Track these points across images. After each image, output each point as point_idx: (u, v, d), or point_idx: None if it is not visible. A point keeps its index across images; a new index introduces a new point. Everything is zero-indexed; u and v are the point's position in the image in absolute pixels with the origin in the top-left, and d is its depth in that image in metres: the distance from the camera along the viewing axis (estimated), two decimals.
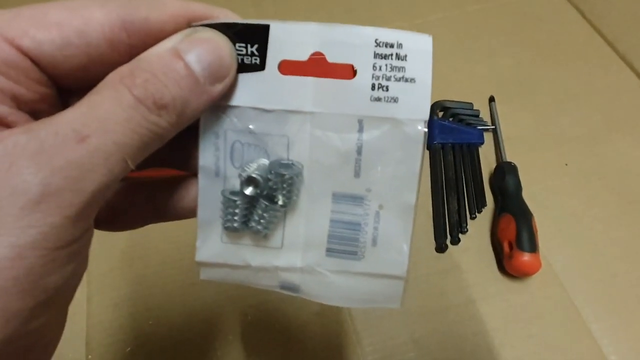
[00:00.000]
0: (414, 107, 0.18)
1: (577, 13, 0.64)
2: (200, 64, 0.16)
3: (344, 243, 0.20)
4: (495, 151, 0.52)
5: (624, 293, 0.43)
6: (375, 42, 0.18)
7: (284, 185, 0.19)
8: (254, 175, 0.19)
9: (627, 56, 0.59)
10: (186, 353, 0.39)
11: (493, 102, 0.55)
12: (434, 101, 0.54)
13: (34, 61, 0.16)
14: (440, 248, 0.45)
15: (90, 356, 0.39)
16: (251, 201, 0.20)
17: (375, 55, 0.18)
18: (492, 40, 0.61)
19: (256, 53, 0.18)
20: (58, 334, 0.18)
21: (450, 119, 0.53)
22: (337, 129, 0.19)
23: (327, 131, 0.19)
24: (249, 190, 0.19)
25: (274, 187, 0.19)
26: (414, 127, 0.18)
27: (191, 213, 0.21)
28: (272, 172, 0.19)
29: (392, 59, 0.18)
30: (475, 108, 0.54)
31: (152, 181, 0.21)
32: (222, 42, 0.17)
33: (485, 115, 0.54)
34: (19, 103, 0.16)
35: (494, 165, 0.50)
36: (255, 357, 0.39)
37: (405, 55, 0.18)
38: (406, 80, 0.18)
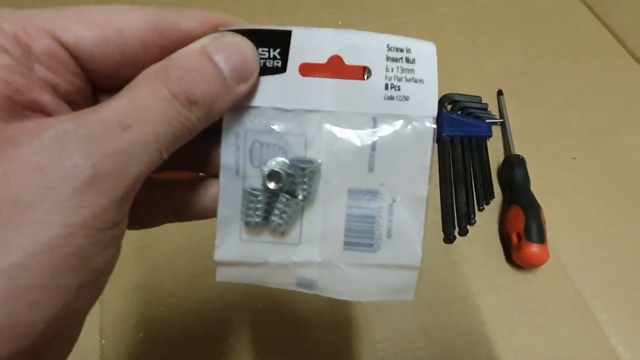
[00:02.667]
0: (424, 105, 0.20)
1: (585, 8, 0.64)
2: (227, 64, 0.17)
3: (360, 236, 0.21)
4: (504, 144, 0.52)
5: (631, 285, 0.43)
6: (387, 46, 0.19)
7: (304, 180, 0.20)
8: (277, 170, 0.20)
9: (636, 51, 0.59)
10: (198, 340, 0.40)
11: (501, 96, 0.55)
12: (442, 94, 0.54)
13: (74, 55, 0.17)
14: (449, 239, 0.45)
15: (104, 341, 0.39)
16: (272, 197, 0.20)
17: (388, 59, 0.19)
18: (500, 35, 0.62)
19: (278, 57, 0.19)
20: (80, 327, 0.19)
21: (459, 112, 0.53)
22: (353, 127, 0.20)
23: (343, 129, 0.20)
24: (272, 185, 0.20)
25: (295, 181, 0.20)
26: (423, 123, 0.20)
27: (208, 213, 0.22)
28: (293, 167, 0.20)
29: (402, 62, 0.20)
30: (483, 102, 0.54)
31: (172, 181, 0.22)
32: (247, 46, 0.18)
33: (493, 108, 0.54)
34: (57, 93, 0.17)
35: (501, 158, 0.50)
36: (266, 346, 0.40)
37: (414, 59, 0.20)
38: (415, 81, 0.20)
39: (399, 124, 0.20)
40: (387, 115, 0.20)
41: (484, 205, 0.47)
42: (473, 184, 0.48)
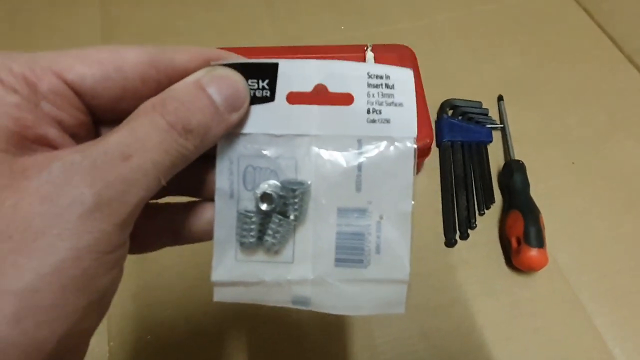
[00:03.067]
0: (404, 126, 0.21)
1: (584, 14, 0.65)
2: (220, 95, 0.19)
3: (350, 252, 0.22)
4: (504, 149, 0.53)
5: (628, 289, 0.44)
6: (368, 74, 0.21)
7: (295, 200, 0.21)
8: (269, 192, 0.21)
9: (634, 57, 0.60)
10: (203, 343, 0.41)
11: (501, 101, 0.56)
12: (443, 100, 0.55)
13: (77, 92, 0.18)
14: (450, 243, 0.46)
15: (112, 343, 0.40)
16: (265, 217, 0.21)
17: (369, 85, 0.21)
18: (500, 40, 0.62)
19: (267, 87, 0.21)
20: (86, 348, 0.20)
21: (460, 118, 0.54)
22: (339, 149, 0.21)
23: (331, 151, 0.21)
24: (264, 206, 0.21)
25: (286, 202, 0.21)
26: (405, 144, 0.21)
27: (205, 236, 0.23)
28: (284, 188, 0.21)
29: (382, 87, 0.21)
30: (483, 107, 0.55)
31: (169, 206, 0.23)
32: (237, 78, 0.20)
33: (493, 114, 0.55)
34: (62, 128, 0.18)
35: (502, 163, 0.51)
36: (269, 349, 0.40)
37: (393, 85, 0.21)
38: (395, 105, 0.21)
39: (382, 145, 0.21)
40: (371, 137, 0.21)
41: (485, 210, 0.48)
42: (474, 189, 0.49)
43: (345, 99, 0.21)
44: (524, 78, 0.59)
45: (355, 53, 0.50)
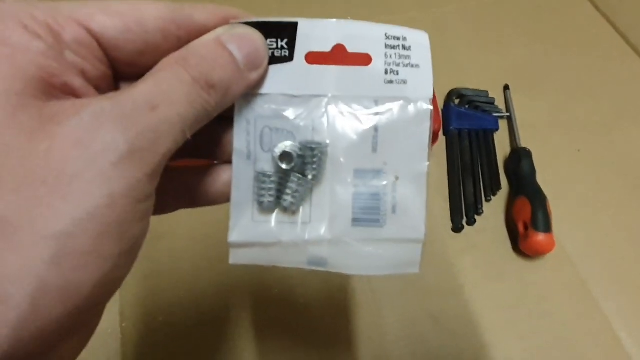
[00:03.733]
0: (420, 88, 0.21)
1: (590, 5, 0.65)
2: (241, 53, 0.19)
3: (367, 213, 0.22)
4: (510, 137, 0.53)
5: (634, 273, 0.44)
6: (385, 35, 0.21)
7: (314, 160, 0.21)
8: (288, 150, 0.21)
9: (639, 47, 0.60)
10: (215, 324, 0.41)
11: (508, 90, 0.56)
12: (451, 89, 0.56)
13: (99, 42, 0.18)
14: (457, 228, 0.46)
15: (124, 324, 0.41)
16: (283, 177, 0.22)
17: (386, 46, 0.21)
18: (506, 31, 0.63)
19: (285, 46, 0.20)
20: (112, 295, 0.20)
21: (467, 106, 0.54)
22: (356, 110, 0.21)
23: (348, 112, 0.21)
24: (284, 165, 0.21)
25: (305, 161, 0.21)
26: (421, 105, 0.21)
27: (221, 198, 0.23)
28: (302, 148, 0.21)
29: (399, 49, 0.21)
30: (490, 96, 0.56)
31: (187, 168, 0.23)
32: (257, 36, 0.20)
33: (500, 103, 0.56)
34: (85, 78, 0.18)
35: (508, 150, 0.52)
36: (280, 330, 0.41)
37: (410, 46, 0.21)
38: (412, 66, 0.21)
39: (398, 105, 0.21)
40: (387, 98, 0.21)
41: (491, 196, 0.48)
42: (480, 176, 0.50)
43: (364, 60, 0.21)
44: (530, 68, 0.59)
45: None
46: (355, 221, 0.22)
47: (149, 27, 0.18)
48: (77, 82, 0.17)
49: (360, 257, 0.22)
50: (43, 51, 0.16)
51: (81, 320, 0.16)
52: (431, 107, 0.21)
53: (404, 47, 0.21)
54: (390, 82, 0.21)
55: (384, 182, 0.22)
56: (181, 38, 0.19)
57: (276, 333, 0.41)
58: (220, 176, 0.23)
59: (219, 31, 0.19)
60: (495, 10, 0.65)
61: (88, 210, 0.15)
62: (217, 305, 0.42)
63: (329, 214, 0.22)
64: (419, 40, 0.21)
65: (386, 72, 0.21)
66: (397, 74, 0.21)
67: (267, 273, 0.43)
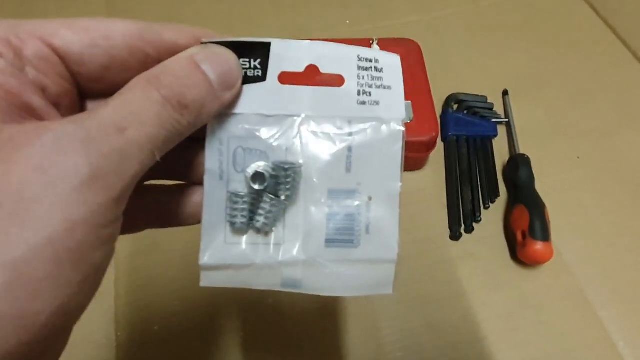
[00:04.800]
0: (393, 109, 0.21)
1: (590, 9, 0.65)
2: (214, 72, 0.18)
3: (341, 233, 0.22)
4: (509, 144, 0.53)
5: (632, 282, 0.44)
6: (358, 57, 0.21)
7: (287, 180, 0.21)
8: (261, 171, 0.21)
9: (639, 52, 0.60)
10: (211, 333, 0.41)
11: (506, 96, 0.56)
12: (449, 94, 0.55)
13: (62, 58, 0.17)
14: (455, 236, 0.46)
15: (119, 333, 0.40)
16: (256, 198, 0.21)
17: (359, 67, 0.21)
18: (505, 35, 0.63)
19: (259, 66, 0.20)
20: (73, 325, 0.19)
21: (465, 112, 0.54)
22: (330, 130, 0.21)
23: (321, 132, 0.21)
24: (257, 185, 0.21)
25: (278, 182, 0.21)
26: (394, 125, 0.21)
27: (191, 219, 0.22)
28: (276, 168, 0.21)
29: (372, 70, 0.21)
30: (489, 101, 0.55)
31: (157, 187, 0.23)
32: (230, 56, 0.20)
33: (498, 108, 0.55)
34: (46, 96, 0.17)
35: (507, 157, 0.51)
36: (275, 340, 0.41)
37: (382, 68, 0.21)
38: (384, 88, 0.21)
39: (372, 126, 0.21)
40: (361, 118, 0.21)
41: (490, 204, 0.48)
42: (479, 183, 0.49)
43: (337, 81, 0.21)
44: (529, 73, 0.59)
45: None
46: (329, 242, 0.22)
47: (115, 43, 0.18)
48: (37, 101, 0.17)
49: (334, 278, 0.22)
50: (2, 68, 0.16)
51: (42, 348, 0.15)
52: (403, 129, 0.21)
53: (376, 69, 0.21)
54: (363, 102, 0.21)
55: (358, 203, 0.22)
56: (149, 55, 0.19)
57: (271, 343, 0.41)
58: (191, 197, 0.22)
59: (193, 50, 0.19)
60: (494, 15, 0.65)
61: (46, 236, 0.14)
62: (212, 315, 0.42)
63: (302, 234, 0.22)
64: (390, 62, 0.21)
65: (359, 93, 0.21)
66: (370, 95, 0.21)
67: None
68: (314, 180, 0.22)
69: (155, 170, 0.21)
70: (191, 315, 0.42)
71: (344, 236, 0.22)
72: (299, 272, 0.22)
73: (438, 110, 0.55)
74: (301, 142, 0.21)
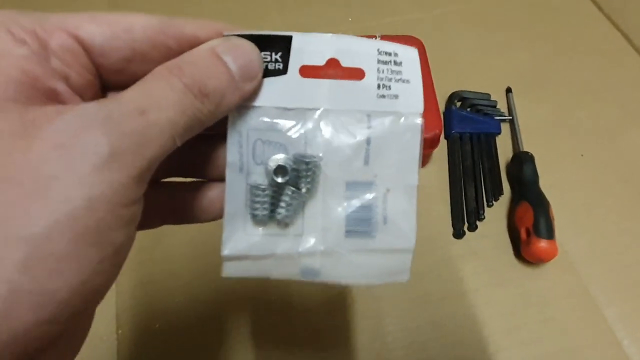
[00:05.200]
0: (412, 102, 0.22)
1: (594, 7, 0.65)
2: (235, 64, 0.19)
3: (358, 224, 0.22)
4: (512, 141, 0.53)
5: (637, 280, 0.44)
6: (378, 51, 0.21)
7: (308, 173, 0.21)
8: (283, 164, 0.21)
9: None
10: (212, 331, 0.41)
11: (510, 93, 0.55)
12: (452, 91, 0.55)
13: (86, 49, 0.18)
14: (458, 234, 0.46)
15: (120, 331, 0.40)
16: (276, 190, 0.22)
17: (379, 61, 0.21)
18: (509, 33, 0.62)
19: (279, 59, 0.21)
20: (90, 321, 0.19)
21: (468, 109, 0.54)
22: (349, 123, 0.22)
23: (341, 125, 0.22)
24: (279, 178, 0.21)
25: (299, 175, 0.21)
26: (412, 119, 0.22)
27: (207, 215, 0.23)
28: (297, 161, 0.21)
29: (391, 64, 0.21)
30: (492, 99, 0.55)
31: (174, 183, 0.23)
32: (252, 48, 0.20)
33: (502, 106, 0.55)
34: (70, 85, 0.18)
35: (510, 155, 0.51)
36: (278, 337, 0.41)
37: (401, 62, 0.22)
38: (403, 81, 0.22)
39: (390, 120, 0.22)
40: (380, 112, 0.22)
41: (493, 201, 0.48)
42: (482, 180, 0.49)
43: (357, 74, 0.21)
44: (533, 70, 0.59)
45: None
46: (348, 233, 0.22)
47: (137, 36, 0.18)
48: (61, 87, 0.17)
49: (351, 267, 0.22)
50: (27, 56, 0.16)
51: (60, 329, 0.15)
52: (421, 122, 0.22)
53: (395, 63, 0.21)
54: (383, 96, 0.21)
55: (375, 195, 0.22)
56: (171, 48, 0.19)
57: (274, 341, 0.40)
58: (207, 193, 0.23)
59: (214, 42, 0.19)
60: (497, 12, 0.64)
61: (66, 213, 0.14)
62: (215, 312, 0.42)
63: (321, 226, 0.22)
64: (409, 56, 0.22)
65: (379, 87, 0.21)
66: (389, 88, 0.21)
67: (266, 280, 0.43)
68: (333, 173, 0.22)
69: (171, 167, 0.22)
70: (194, 312, 0.41)
71: (361, 227, 0.22)
72: (317, 262, 0.22)
73: (441, 108, 0.54)
74: (320, 135, 0.22)
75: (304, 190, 0.22)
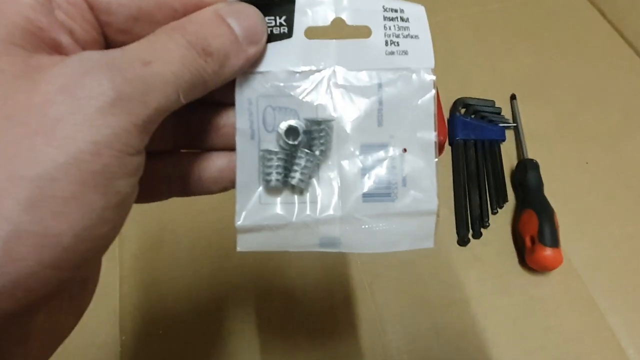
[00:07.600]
0: (422, 58, 0.21)
1: (597, 13, 0.65)
2: (239, 26, 0.19)
3: (377, 187, 0.21)
4: (517, 148, 0.53)
5: None
6: (383, 7, 0.21)
7: (321, 134, 0.21)
8: (294, 124, 0.21)
9: None
10: (216, 335, 0.41)
11: (514, 100, 0.55)
12: (456, 98, 0.55)
13: (91, 6, 0.18)
14: (463, 241, 0.46)
15: (124, 337, 0.40)
16: (289, 154, 0.21)
17: (385, 18, 0.21)
18: (513, 39, 0.62)
19: (284, 23, 0.20)
20: (97, 277, 0.19)
21: (472, 116, 0.54)
22: (360, 83, 0.21)
23: (351, 86, 0.21)
24: (290, 139, 0.21)
25: (312, 136, 0.21)
26: (424, 75, 0.21)
27: (214, 185, 0.22)
28: (309, 123, 0.21)
29: (398, 20, 0.21)
30: (497, 106, 0.55)
31: (180, 153, 0.23)
32: (255, 12, 0.20)
33: (506, 112, 0.55)
34: (74, 39, 0.17)
35: (515, 161, 0.51)
36: (281, 344, 0.41)
37: (407, 18, 0.21)
38: (412, 37, 0.21)
39: (401, 77, 0.21)
40: (390, 70, 0.21)
41: (498, 208, 0.48)
42: (486, 187, 0.49)
43: (363, 32, 0.21)
44: (537, 76, 0.58)
45: None
46: (366, 196, 0.21)
47: None
48: (66, 40, 0.17)
49: (373, 234, 0.21)
50: (32, 5, 0.16)
51: (65, 276, 0.15)
52: (434, 77, 0.21)
53: (402, 19, 0.21)
54: (392, 53, 0.21)
55: (392, 155, 0.21)
56: (176, 10, 0.19)
57: (278, 347, 0.40)
58: (214, 162, 0.22)
59: (218, 5, 0.19)
60: (501, 18, 0.64)
61: (72, 155, 0.14)
62: (218, 318, 0.42)
63: (338, 191, 0.21)
64: (416, 12, 0.21)
65: (387, 44, 0.21)
66: (398, 45, 0.21)
67: (270, 285, 0.43)
68: (346, 135, 0.21)
69: (177, 138, 0.21)
70: (196, 317, 0.41)
71: (380, 190, 0.21)
72: (336, 230, 0.21)
73: (446, 114, 0.54)
74: (331, 97, 0.21)
75: (317, 152, 0.21)
